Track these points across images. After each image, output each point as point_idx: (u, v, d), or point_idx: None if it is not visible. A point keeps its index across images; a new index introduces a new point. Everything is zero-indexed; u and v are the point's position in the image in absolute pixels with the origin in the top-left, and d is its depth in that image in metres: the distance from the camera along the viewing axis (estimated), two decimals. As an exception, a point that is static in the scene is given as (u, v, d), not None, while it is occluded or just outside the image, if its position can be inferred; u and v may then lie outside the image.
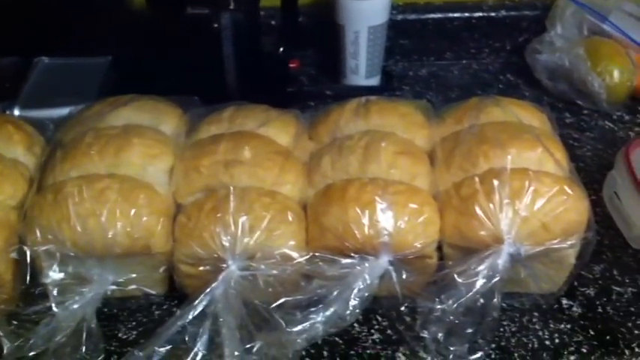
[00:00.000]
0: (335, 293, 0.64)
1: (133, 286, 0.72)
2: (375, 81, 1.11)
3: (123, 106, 0.83)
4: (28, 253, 0.68)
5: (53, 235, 0.69)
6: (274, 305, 0.64)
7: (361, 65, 1.08)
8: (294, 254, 0.68)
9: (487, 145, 0.74)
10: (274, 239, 0.69)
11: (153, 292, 0.74)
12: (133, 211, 0.70)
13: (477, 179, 0.70)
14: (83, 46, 1.02)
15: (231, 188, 0.72)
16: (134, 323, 0.72)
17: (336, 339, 0.68)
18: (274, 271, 0.66)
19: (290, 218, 0.71)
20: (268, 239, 0.69)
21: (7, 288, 0.70)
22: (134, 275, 0.72)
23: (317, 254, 0.67)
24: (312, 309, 0.63)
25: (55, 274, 0.67)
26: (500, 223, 0.67)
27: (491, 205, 0.68)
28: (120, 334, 0.71)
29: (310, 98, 1.07)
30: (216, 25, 0.94)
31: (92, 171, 0.74)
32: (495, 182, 0.69)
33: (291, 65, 1.08)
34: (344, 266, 0.66)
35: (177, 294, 0.73)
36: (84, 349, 0.65)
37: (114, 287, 0.70)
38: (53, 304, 0.65)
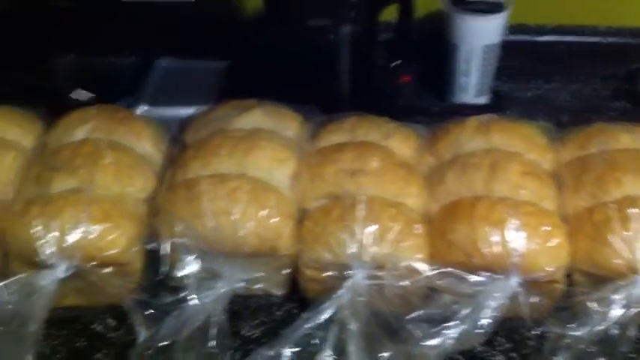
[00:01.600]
0: (467, 311, 0.64)
1: (258, 285, 0.73)
2: (483, 100, 1.10)
3: (248, 110, 0.84)
4: (163, 246, 0.69)
5: (187, 229, 0.70)
6: (406, 317, 0.64)
7: (471, 84, 1.07)
8: (422, 267, 0.68)
9: (620, 172, 0.73)
10: (402, 251, 0.69)
11: (275, 292, 0.74)
12: (263, 213, 0.71)
13: (611, 206, 0.69)
14: (200, 50, 1.05)
15: (359, 197, 0.72)
16: (256, 322, 0.73)
17: (460, 357, 0.68)
18: (402, 283, 0.67)
19: (417, 231, 0.71)
20: (396, 250, 0.69)
21: (135, 277, 0.72)
22: (260, 275, 0.73)
23: (448, 270, 0.67)
24: (445, 324, 0.63)
25: (190, 268, 0.69)
26: (636, 252, 0.66)
27: (626, 234, 0.67)
28: (242, 332, 0.72)
29: (417, 113, 1.07)
30: (334, 37, 0.95)
31: (221, 170, 0.76)
32: (631, 210, 0.68)
33: (403, 79, 1.08)
34: (475, 284, 0.66)
35: (297, 296, 0.74)
36: (211, 343, 0.66)
37: (241, 285, 0.71)
38: (187, 297, 0.67)
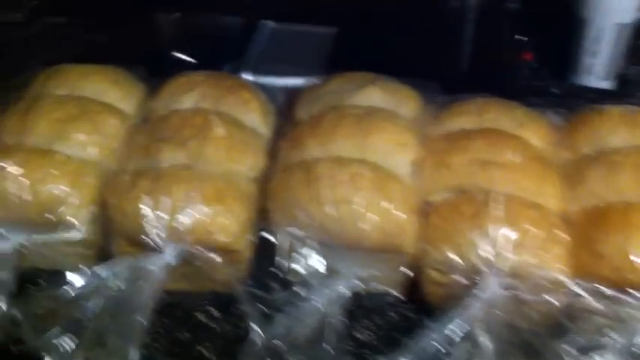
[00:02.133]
0: (619, 337, 0.57)
1: (373, 284, 0.67)
2: (607, 84, 1.00)
3: (364, 86, 0.77)
4: (279, 235, 0.64)
5: (303, 216, 0.64)
6: (552, 339, 0.57)
7: (598, 65, 0.97)
8: (568, 282, 0.60)
9: None
10: (544, 260, 0.62)
11: (391, 292, 0.68)
12: (387, 205, 0.64)
13: None
14: (308, 14, 0.97)
15: (494, 193, 0.65)
16: (369, 323, 0.67)
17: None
18: (546, 297, 0.59)
19: (560, 238, 0.63)
20: (537, 259, 0.62)
21: (244, 265, 0.67)
22: (377, 273, 0.66)
23: (598, 287, 0.59)
24: (596, 350, 0.56)
25: (307, 261, 0.63)
26: None
27: None
28: (355, 333, 0.66)
29: (534, 94, 0.98)
30: (458, 4, 0.87)
31: (338, 153, 0.69)
32: None
33: (524, 57, 0.99)
34: (630, 305, 0.58)
35: (414, 297, 0.68)
36: (326, 346, 0.61)
37: (358, 283, 0.65)
38: (302, 294, 0.61)
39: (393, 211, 0.65)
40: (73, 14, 1.02)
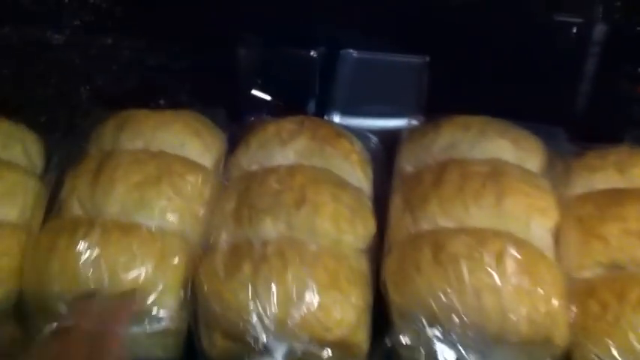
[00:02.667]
0: None
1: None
2: None
3: (483, 134, 0.66)
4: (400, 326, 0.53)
5: (432, 303, 0.54)
6: None
7: None
8: None
9: None
10: None
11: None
12: (537, 290, 0.54)
13: None
14: (392, 42, 0.86)
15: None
16: None
17: None
18: None
19: None
20: None
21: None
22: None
23: None
24: None
25: (436, 356, 0.52)
26: None
27: None
28: None
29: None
30: (580, 35, 0.75)
31: (467, 220, 0.58)
32: None
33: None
34: None
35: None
36: None
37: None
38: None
39: (545, 299, 0.54)
40: (124, 33, 0.91)
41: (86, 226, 0.56)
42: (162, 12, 0.85)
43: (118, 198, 0.58)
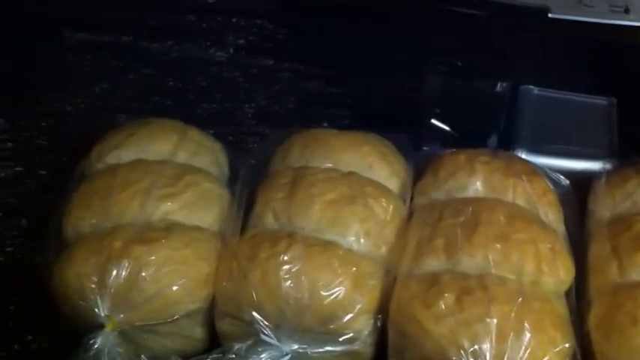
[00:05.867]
0: None
1: None
2: None
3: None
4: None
5: None
6: None
7: None
8: None
9: None
10: None
11: None
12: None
13: None
14: (577, 80, 0.83)
15: None
16: None
17: None
18: None
19: None
20: None
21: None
22: None
23: None
24: None
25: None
26: None
27: None
28: None
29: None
30: None
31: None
32: None
33: None
34: None
35: None
36: None
37: None
38: None
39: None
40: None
41: (288, 239, 0.55)
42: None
43: (314, 215, 0.58)
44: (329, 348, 0.53)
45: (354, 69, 0.89)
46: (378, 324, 0.55)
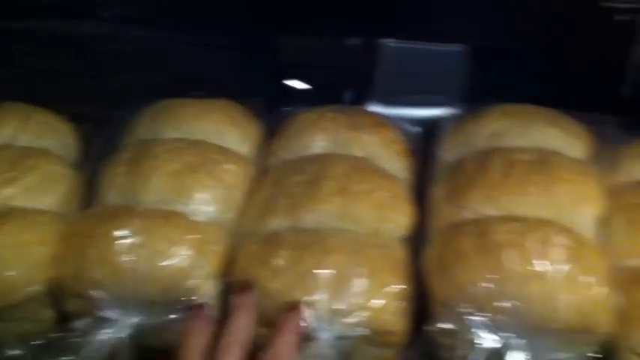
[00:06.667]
0: None
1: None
2: None
3: (528, 123, 0.65)
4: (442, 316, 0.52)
5: (476, 292, 0.52)
6: None
7: None
8: None
9: None
10: None
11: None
12: (587, 279, 0.52)
13: None
14: (432, 30, 0.84)
15: None
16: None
17: None
18: None
19: None
20: None
21: (397, 349, 0.55)
22: (564, 356, 0.54)
23: None
24: None
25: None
26: None
27: None
28: None
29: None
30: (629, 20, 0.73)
31: (511, 209, 0.57)
32: None
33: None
34: None
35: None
36: None
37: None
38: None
39: (590, 286, 0.52)
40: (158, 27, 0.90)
41: (126, 214, 0.55)
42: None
43: (156, 188, 0.58)
44: (173, 316, 0.54)
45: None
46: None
